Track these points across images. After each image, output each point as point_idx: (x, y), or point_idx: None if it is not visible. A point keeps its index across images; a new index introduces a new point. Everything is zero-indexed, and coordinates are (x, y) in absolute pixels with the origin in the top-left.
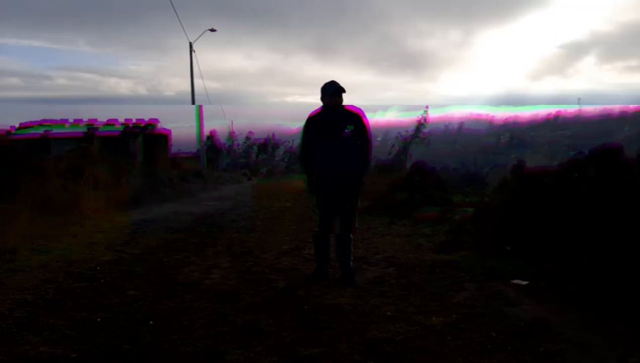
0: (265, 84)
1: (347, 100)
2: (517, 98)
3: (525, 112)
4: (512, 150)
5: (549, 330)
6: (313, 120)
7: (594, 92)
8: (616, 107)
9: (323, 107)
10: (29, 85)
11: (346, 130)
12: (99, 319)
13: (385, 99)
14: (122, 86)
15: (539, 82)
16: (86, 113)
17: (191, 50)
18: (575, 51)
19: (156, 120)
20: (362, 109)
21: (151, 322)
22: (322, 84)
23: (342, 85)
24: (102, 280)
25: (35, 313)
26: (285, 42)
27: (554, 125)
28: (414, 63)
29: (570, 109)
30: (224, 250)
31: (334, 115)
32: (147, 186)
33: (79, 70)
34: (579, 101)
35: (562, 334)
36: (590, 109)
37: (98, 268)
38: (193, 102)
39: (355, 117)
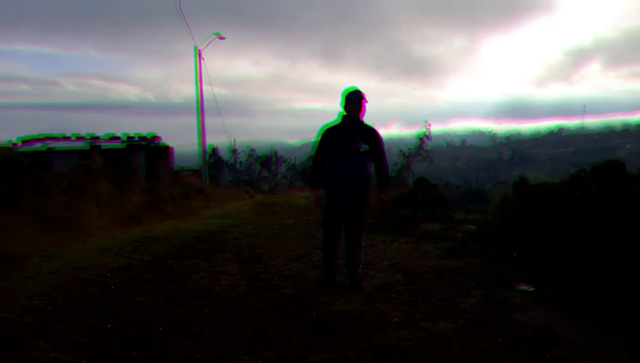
0: (273, 91)
1: None
2: (523, 105)
3: (528, 125)
4: (514, 167)
5: (556, 337)
6: (329, 133)
7: (599, 98)
8: (618, 119)
9: (342, 118)
10: (38, 91)
11: (361, 147)
12: (109, 325)
13: (391, 105)
14: (131, 93)
15: (544, 88)
16: (96, 122)
17: (196, 57)
18: (580, 58)
19: (159, 138)
20: (368, 115)
21: (160, 328)
22: (328, 90)
23: (360, 94)
24: (112, 287)
25: (46, 319)
26: (292, 49)
27: (556, 141)
28: (420, 69)
29: (573, 122)
30: (233, 257)
31: (351, 129)
32: (150, 203)
33: (88, 76)
34: (584, 109)
35: (568, 340)
36: (592, 119)
37: (108, 274)
38: (201, 109)
39: (371, 134)
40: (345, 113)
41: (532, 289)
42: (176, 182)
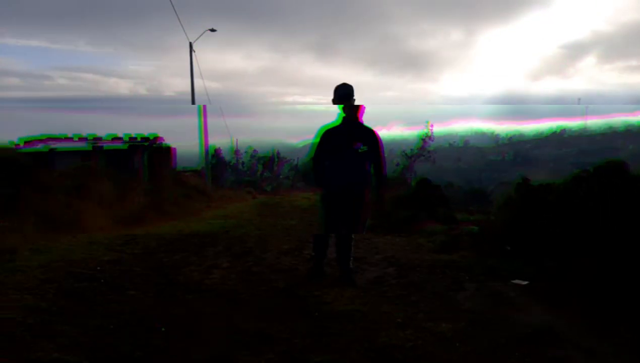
0: (265, 84)
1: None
2: (518, 98)
3: (530, 126)
4: (517, 168)
5: (556, 336)
6: (327, 134)
7: (595, 92)
8: (620, 119)
9: (341, 119)
10: (29, 85)
11: (359, 147)
12: (97, 319)
13: (386, 100)
14: (122, 86)
15: (540, 82)
16: (88, 117)
17: (191, 51)
18: (576, 51)
19: (161, 138)
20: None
21: (163, 328)
22: (321, 84)
23: (349, 88)
24: (102, 280)
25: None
26: (285, 42)
27: (558, 142)
28: (414, 63)
29: (575, 122)
30: (224, 250)
31: (350, 130)
32: (151, 203)
33: (79, 70)
34: (578, 102)
35: (568, 340)
36: (594, 119)
37: (98, 268)
38: (193, 103)
39: (369, 135)
40: (343, 114)
41: (526, 283)
42: (178, 183)
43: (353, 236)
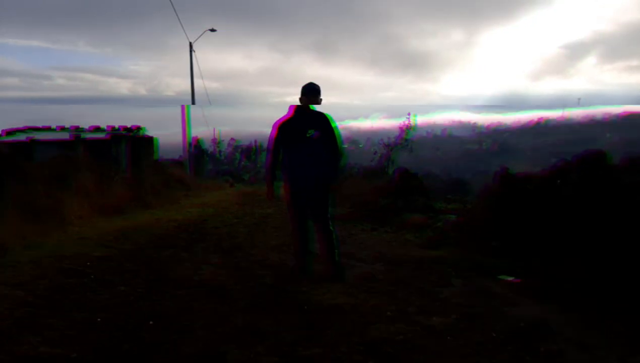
0: (266, 84)
1: (348, 100)
2: (518, 98)
3: (510, 117)
4: (495, 157)
5: (549, 330)
6: (282, 127)
7: (595, 92)
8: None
9: (294, 110)
10: (28, 85)
11: (310, 133)
12: (99, 319)
13: (385, 99)
14: (122, 86)
15: (540, 82)
16: (87, 115)
17: (191, 51)
18: (576, 51)
19: (139, 127)
20: (362, 109)
21: (151, 322)
22: (322, 84)
23: (315, 86)
24: (92, 276)
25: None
26: (285, 42)
27: (538, 132)
28: (415, 63)
29: (555, 115)
30: (213, 246)
31: (302, 118)
32: (131, 192)
33: (78, 71)
34: (579, 101)
35: (561, 334)
36: (576, 113)
37: (88, 264)
38: (193, 103)
39: (320, 120)
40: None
41: (512, 278)
42: (158, 172)
43: (332, 229)
